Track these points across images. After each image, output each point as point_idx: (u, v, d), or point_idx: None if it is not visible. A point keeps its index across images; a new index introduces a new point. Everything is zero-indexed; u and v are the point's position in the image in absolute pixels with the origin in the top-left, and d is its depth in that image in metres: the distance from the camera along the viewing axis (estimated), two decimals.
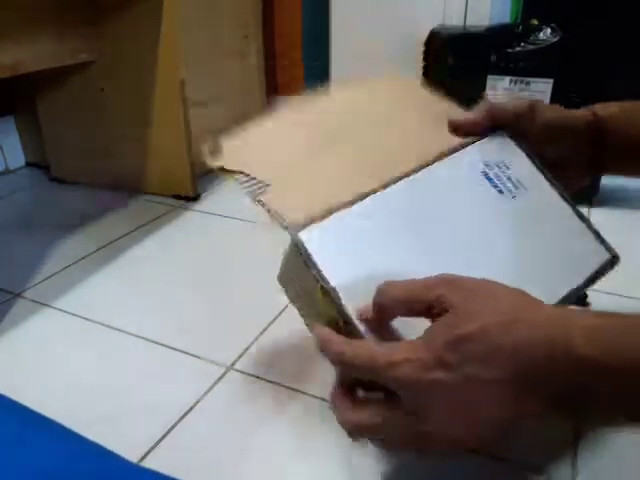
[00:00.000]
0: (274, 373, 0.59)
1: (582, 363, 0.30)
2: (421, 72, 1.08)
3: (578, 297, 0.44)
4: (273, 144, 0.53)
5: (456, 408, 0.33)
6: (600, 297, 0.57)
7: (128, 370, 0.60)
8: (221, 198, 1.08)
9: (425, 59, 1.07)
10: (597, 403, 0.31)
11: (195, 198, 1.06)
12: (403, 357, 0.33)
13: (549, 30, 0.96)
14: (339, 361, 0.36)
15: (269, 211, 0.43)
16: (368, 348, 0.35)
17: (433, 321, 0.34)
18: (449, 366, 0.32)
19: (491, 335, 0.32)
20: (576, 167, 0.50)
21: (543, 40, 0.96)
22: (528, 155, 0.49)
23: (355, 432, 0.37)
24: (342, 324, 0.39)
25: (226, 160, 0.48)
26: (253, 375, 0.59)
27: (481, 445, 0.38)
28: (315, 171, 0.48)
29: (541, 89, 0.98)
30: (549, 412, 0.32)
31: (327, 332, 0.38)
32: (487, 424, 0.33)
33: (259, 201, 0.44)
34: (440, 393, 0.32)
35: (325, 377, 0.58)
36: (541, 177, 0.48)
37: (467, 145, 0.48)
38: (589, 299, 0.58)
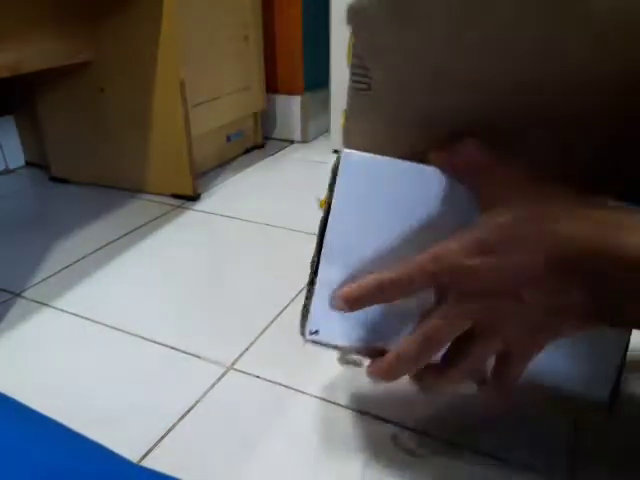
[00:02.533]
0: (274, 373, 0.59)
1: (633, 260, 0.29)
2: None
3: None
4: None
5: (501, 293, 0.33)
6: None
7: (128, 370, 0.60)
8: (221, 198, 1.08)
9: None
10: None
11: (195, 198, 1.06)
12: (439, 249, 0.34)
13: None
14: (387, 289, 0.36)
15: None
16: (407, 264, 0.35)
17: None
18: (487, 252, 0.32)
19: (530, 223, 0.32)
20: None
21: None
22: None
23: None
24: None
25: None
26: (253, 375, 0.59)
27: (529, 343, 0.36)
28: None
29: None
30: (595, 308, 0.31)
31: (354, 286, 0.37)
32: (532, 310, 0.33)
33: None
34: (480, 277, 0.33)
35: (325, 377, 0.58)
36: None
37: None
38: None
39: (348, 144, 0.39)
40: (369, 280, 0.36)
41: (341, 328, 0.39)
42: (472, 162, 0.36)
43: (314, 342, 0.40)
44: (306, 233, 0.91)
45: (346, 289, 0.37)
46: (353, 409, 0.54)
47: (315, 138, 1.47)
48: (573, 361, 0.39)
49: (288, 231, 0.92)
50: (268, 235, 0.91)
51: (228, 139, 1.28)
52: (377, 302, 0.37)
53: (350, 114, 0.40)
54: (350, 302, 0.37)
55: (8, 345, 0.65)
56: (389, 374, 0.37)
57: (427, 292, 0.36)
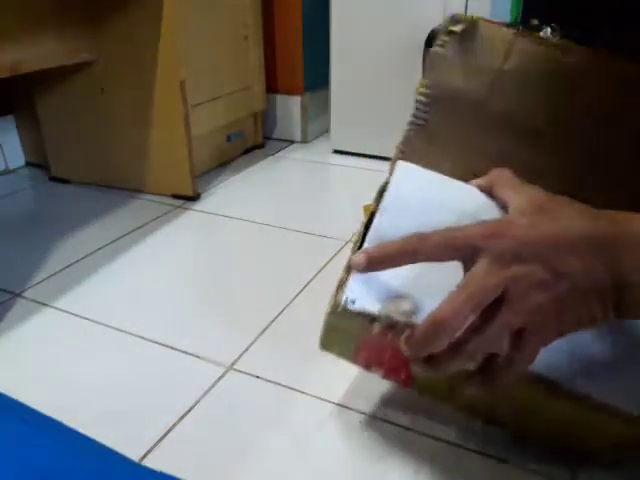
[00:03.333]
0: (274, 373, 0.59)
1: None
2: (421, 72, 1.08)
3: None
4: None
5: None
6: None
7: (128, 370, 0.60)
8: (221, 198, 1.08)
9: (425, 58, 1.07)
10: None
11: (195, 198, 1.06)
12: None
13: (549, 30, 0.96)
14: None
15: None
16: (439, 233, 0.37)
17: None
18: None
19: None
20: None
21: None
22: None
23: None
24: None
25: None
26: (253, 375, 0.59)
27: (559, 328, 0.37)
28: None
29: None
30: (617, 291, 0.34)
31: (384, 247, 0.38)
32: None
33: None
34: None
35: (325, 377, 0.58)
36: None
37: None
38: None
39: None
40: (391, 244, 0.38)
41: (377, 294, 0.41)
42: (505, 179, 0.41)
43: (353, 311, 0.41)
44: (306, 233, 0.91)
45: (370, 249, 0.39)
46: (353, 409, 0.54)
47: (315, 138, 1.47)
48: (609, 373, 0.40)
49: (288, 231, 0.92)
50: (268, 235, 0.91)
51: (228, 139, 1.28)
52: (399, 263, 0.39)
53: (404, 144, 0.46)
54: (372, 262, 0.39)
55: (8, 345, 0.65)
56: (423, 343, 0.36)
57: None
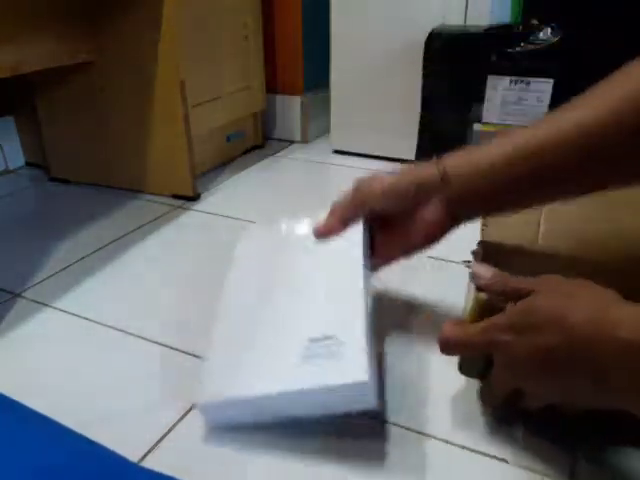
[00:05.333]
0: None
1: (627, 346, 0.34)
2: (421, 72, 1.08)
3: None
4: None
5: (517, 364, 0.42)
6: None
7: (128, 370, 0.60)
8: (221, 198, 1.08)
9: (425, 59, 1.07)
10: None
11: (195, 198, 1.06)
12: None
13: (549, 30, 0.96)
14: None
15: None
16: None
17: None
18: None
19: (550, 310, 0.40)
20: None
21: (543, 40, 0.96)
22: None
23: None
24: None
25: None
26: None
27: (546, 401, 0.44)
28: None
29: (541, 89, 0.98)
30: (596, 389, 0.37)
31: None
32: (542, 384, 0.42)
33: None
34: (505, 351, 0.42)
35: None
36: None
37: None
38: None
39: None
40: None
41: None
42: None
43: None
44: None
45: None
46: None
47: (315, 138, 1.47)
48: None
49: None
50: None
51: (228, 139, 1.28)
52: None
53: None
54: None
55: (8, 345, 0.65)
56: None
57: None
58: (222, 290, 0.58)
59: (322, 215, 0.58)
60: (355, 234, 0.56)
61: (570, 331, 0.37)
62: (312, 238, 0.58)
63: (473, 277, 0.47)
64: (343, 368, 0.44)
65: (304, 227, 0.60)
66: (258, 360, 0.49)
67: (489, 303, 0.45)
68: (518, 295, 0.42)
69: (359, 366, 0.44)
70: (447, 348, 0.46)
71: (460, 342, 0.45)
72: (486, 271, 0.46)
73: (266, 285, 0.56)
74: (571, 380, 0.38)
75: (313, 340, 0.47)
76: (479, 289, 0.46)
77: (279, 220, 0.65)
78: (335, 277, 0.54)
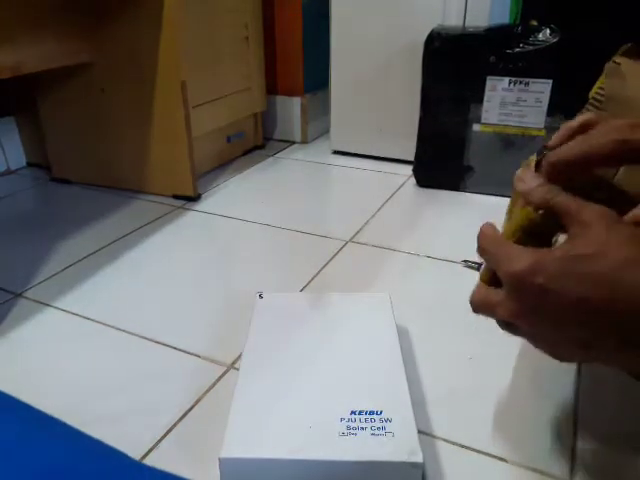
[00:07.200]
0: None
1: None
2: (421, 72, 1.08)
3: None
4: None
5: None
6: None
7: (128, 370, 0.60)
8: (221, 198, 1.08)
9: (425, 60, 1.07)
10: None
11: (195, 198, 1.06)
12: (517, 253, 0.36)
13: (549, 30, 0.96)
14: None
15: None
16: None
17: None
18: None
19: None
20: None
21: (543, 41, 0.96)
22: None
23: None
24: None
25: None
26: None
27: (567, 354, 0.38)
28: None
29: (540, 89, 0.98)
30: (624, 349, 0.33)
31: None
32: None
33: None
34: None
35: None
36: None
37: None
38: None
39: None
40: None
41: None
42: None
43: None
44: (306, 233, 0.91)
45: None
46: None
47: (315, 139, 1.47)
48: None
49: (288, 231, 0.92)
50: (268, 235, 0.91)
51: (228, 140, 1.28)
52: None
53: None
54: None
55: (8, 345, 0.65)
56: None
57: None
58: (245, 349, 0.55)
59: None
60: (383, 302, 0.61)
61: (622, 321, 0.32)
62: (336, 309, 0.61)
63: (516, 181, 0.38)
64: (395, 445, 0.43)
65: (327, 299, 0.63)
66: (292, 422, 0.46)
67: (534, 223, 0.37)
68: (560, 221, 0.35)
69: (411, 445, 0.42)
70: (475, 312, 0.41)
71: (485, 309, 0.39)
72: (532, 178, 0.37)
73: (299, 349, 0.55)
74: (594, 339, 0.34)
75: (355, 412, 0.46)
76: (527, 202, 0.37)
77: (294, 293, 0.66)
78: (372, 345, 0.54)
